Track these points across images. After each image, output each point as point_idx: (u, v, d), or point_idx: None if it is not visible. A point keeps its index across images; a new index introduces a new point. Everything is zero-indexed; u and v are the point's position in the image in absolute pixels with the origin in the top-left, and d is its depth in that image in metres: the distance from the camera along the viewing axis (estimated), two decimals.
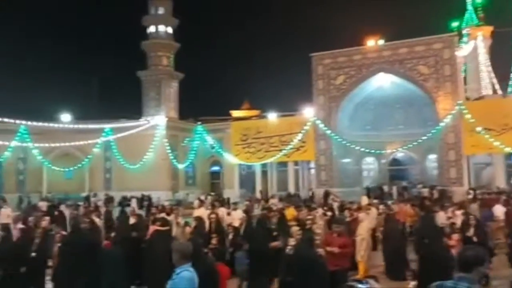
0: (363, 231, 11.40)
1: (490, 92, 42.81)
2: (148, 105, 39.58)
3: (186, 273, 4.69)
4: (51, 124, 34.28)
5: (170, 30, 40.99)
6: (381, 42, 33.64)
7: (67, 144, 34.60)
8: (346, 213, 14.18)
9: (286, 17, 66.09)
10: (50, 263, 9.32)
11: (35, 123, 32.61)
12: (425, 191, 27.72)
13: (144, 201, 28.73)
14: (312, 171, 35.38)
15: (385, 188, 32.71)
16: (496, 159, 29.74)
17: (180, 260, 4.78)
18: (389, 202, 18.26)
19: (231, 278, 8.93)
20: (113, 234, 10.49)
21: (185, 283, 4.63)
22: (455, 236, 10.38)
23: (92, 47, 69.58)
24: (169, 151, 37.05)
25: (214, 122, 40.88)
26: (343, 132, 33.31)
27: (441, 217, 13.82)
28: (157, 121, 37.53)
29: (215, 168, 41.48)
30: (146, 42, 40.27)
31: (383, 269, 11.54)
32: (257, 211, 15.54)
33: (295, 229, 8.83)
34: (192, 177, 40.84)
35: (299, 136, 33.80)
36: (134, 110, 40.17)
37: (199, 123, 40.16)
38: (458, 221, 12.48)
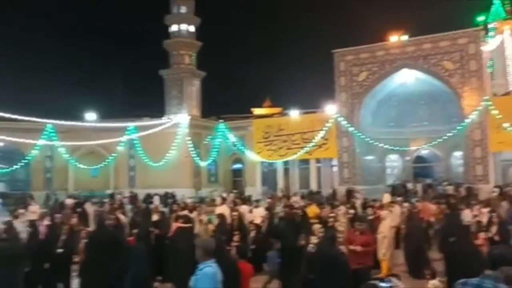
0: (384, 229, 11.28)
1: None
2: (170, 103, 39.92)
3: (208, 269, 4.74)
4: (76, 123, 34.92)
5: (192, 28, 41.22)
6: (404, 37, 33.15)
7: (92, 142, 35.25)
8: (369, 211, 14.05)
9: (308, 14, 65.83)
10: (76, 259, 9.50)
11: (61, 122, 33.24)
12: (450, 189, 27.23)
13: (168, 199, 29.03)
14: (335, 168, 35.17)
15: (409, 185, 32.27)
16: None
17: (204, 256, 4.84)
18: (414, 200, 18.01)
19: (255, 276, 8.95)
20: (135, 231, 10.63)
21: (208, 278, 4.68)
22: (482, 235, 10.19)
23: (116, 47, 70.66)
24: (192, 149, 37.31)
25: (236, 120, 40.96)
26: (366, 129, 33.00)
27: (467, 215, 13.58)
28: (179, 119, 37.82)
29: (237, 165, 41.59)
30: (168, 41, 40.60)
31: (406, 267, 11.41)
32: (278, 208, 15.52)
33: (317, 226, 8.82)
34: (215, 175, 41.05)
35: (321, 134, 33.62)
36: (157, 109, 40.60)
37: (221, 121, 40.32)
38: (484, 219, 12.23)
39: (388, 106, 34.52)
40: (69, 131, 35.02)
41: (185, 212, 12.92)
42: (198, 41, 41.27)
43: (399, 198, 18.55)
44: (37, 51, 59.27)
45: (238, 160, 40.96)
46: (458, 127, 29.86)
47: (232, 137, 38.88)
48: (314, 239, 8.12)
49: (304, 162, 36.15)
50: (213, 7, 66.86)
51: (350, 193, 26.68)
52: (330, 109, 34.02)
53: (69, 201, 22.80)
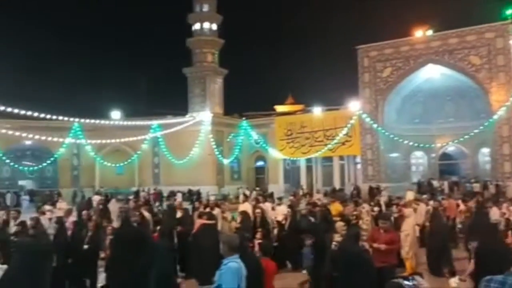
0: (408, 227, 11.10)
1: None
2: (193, 101, 40.22)
3: (233, 263, 4.81)
4: (102, 121, 35.52)
5: (214, 26, 41.42)
6: (429, 32, 32.60)
7: (117, 140, 35.84)
8: (394, 208, 13.86)
9: (331, 10, 65.24)
10: (102, 255, 9.65)
11: (87, 121, 33.87)
12: (477, 186, 26.70)
13: (192, 196, 29.28)
14: (359, 166, 34.86)
15: (435, 183, 31.75)
16: None
17: (228, 252, 4.94)
18: (440, 198, 17.71)
19: (278, 273, 8.92)
20: (159, 227, 10.75)
21: (232, 273, 4.74)
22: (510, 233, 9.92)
23: (141, 46, 71.52)
24: (215, 146, 37.54)
25: (258, 117, 41.02)
26: (390, 126, 32.60)
27: (494, 213, 13.30)
28: (202, 117, 38.09)
29: (260, 163, 41.65)
30: (191, 39, 40.90)
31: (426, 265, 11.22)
32: (301, 206, 15.46)
33: (339, 224, 8.74)
34: (237, 172, 41.22)
35: (345, 131, 33.37)
36: (180, 107, 40.99)
37: (243, 118, 40.43)
38: None
39: (413, 102, 34.01)
40: (95, 129, 35.68)
41: (208, 209, 12.98)
42: (221, 38, 41.46)
43: (424, 196, 18.29)
44: (65, 52, 60.53)
45: (261, 158, 41.02)
46: (485, 123, 29.24)
47: (254, 135, 38.95)
48: (337, 237, 8.05)
49: (327, 159, 35.95)
50: (235, 5, 67.03)
51: (373, 191, 26.44)
52: (354, 106, 33.73)
53: (97, 198, 23.17)
